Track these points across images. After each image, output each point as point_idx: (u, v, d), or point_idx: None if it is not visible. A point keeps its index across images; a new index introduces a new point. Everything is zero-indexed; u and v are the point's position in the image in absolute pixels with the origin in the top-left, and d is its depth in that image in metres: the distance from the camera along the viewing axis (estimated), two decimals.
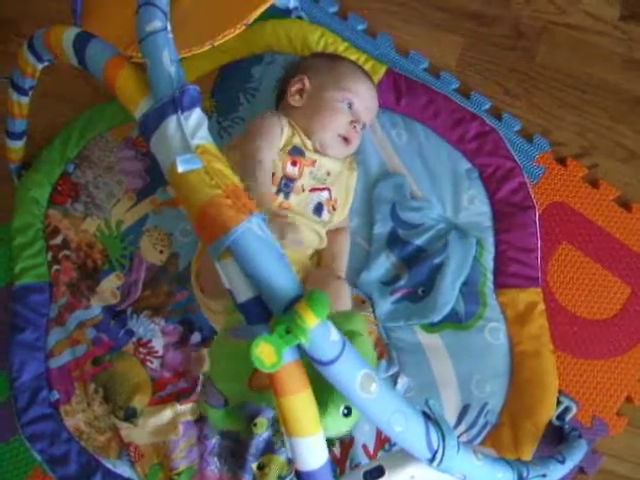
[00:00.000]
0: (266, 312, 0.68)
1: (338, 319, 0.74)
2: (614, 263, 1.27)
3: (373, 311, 1.24)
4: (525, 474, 0.86)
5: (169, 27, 0.78)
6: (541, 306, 1.22)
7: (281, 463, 1.16)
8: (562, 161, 1.32)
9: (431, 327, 1.22)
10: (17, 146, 1.28)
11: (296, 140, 1.16)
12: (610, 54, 1.39)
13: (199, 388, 1.21)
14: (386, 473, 0.75)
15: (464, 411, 1.18)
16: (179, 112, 0.71)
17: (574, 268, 1.27)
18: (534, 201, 1.26)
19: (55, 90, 1.41)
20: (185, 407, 1.21)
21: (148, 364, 1.24)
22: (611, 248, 1.27)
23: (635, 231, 1.28)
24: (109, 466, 1.21)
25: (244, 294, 0.68)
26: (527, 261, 1.24)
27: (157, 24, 0.77)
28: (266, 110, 1.21)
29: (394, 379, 1.20)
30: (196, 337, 1.24)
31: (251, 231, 0.66)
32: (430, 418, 0.73)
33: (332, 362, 0.65)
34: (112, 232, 1.32)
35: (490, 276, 1.24)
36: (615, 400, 1.21)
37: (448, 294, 1.21)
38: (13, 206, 1.35)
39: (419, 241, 1.26)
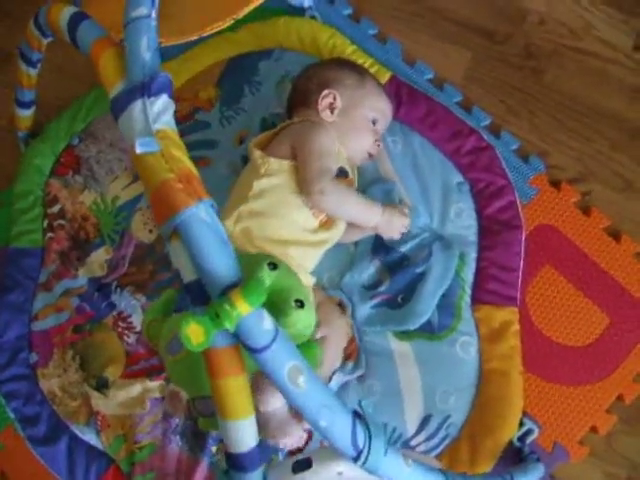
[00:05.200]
0: (207, 295, 0.70)
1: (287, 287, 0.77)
2: (596, 292, 1.26)
3: (352, 313, 1.25)
4: None
5: (154, 15, 0.81)
6: (515, 326, 1.22)
7: None
8: (556, 184, 1.32)
9: (404, 335, 1.23)
10: (26, 115, 1.33)
11: (342, 160, 1.17)
12: (619, 83, 1.38)
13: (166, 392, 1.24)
14: (313, 466, 0.77)
15: (425, 421, 1.19)
16: (145, 97, 0.74)
17: (554, 292, 1.26)
18: (522, 221, 1.26)
19: (67, 67, 1.46)
20: (154, 384, 1.24)
21: (125, 338, 1.28)
22: (595, 277, 1.27)
23: (621, 262, 1.27)
24: (77, 432, 1.25)
25: (189, 275, 0.71)
26: (507, 280, 1.24)
27: (142, 11, 0.79)
28: (320, 126, 1.16)
29: (359, 381, 1.21)
30: None
31: (197, 216, 0.69)
32: (360, 417, 0.74)
33: (262, 350, 0.67)
34: (107, 207, 1.36)
35: (468, 290, 1.24)
36: (579, 429, 1.21)
37: (427, 303, 1.22)
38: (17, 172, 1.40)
39: (403, 248, 1.26)
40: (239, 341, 0.68)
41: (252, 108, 1.36)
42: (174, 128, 0.74)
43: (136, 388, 1.24)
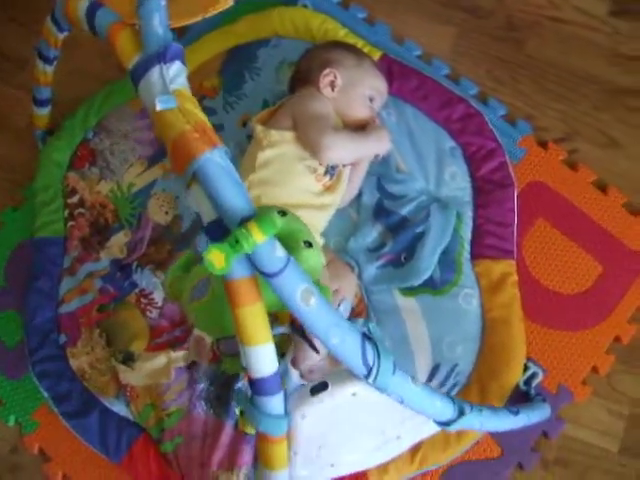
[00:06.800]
0: (226, 232, 0.78)
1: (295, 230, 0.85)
2: (588, 242, 1.33)
3: (359, 275, 1.33)
4: (468, 411, 0.93)
5: None
6: (514, 277, 1.29)
7: None
8: (544, 145, 1.39)
9: (409, 291, 1.30)
10: (43, 113, 1.42)
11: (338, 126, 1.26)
12: (597, 47, 1.46)
13: (191, 340, 1.32)
14: (329, 387, 0.85)
15: (435, 370, 1.26)
16: (162, 63, 0.83)
17: (549, 244, 1.34)
18: (513, 179, 1.34)
19: (81, 67, 1.56)
20: (178, 354, 1.31)
21: (148, 313, 1.35)
22: (586, 227, 1.34)
23: (610, 212, 1.34)
24: (107, 404, 1.32)
25: (208, 216, 0.80)
26: (503, 235, 1.31)
27: None
28: (317, 95, 1.26)
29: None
30: None
31: (213, 160, 0.78)
32: (368, 338, 0.82)
33: (276, 275, 0.75)
34: (123, 194, 1.45)
35: (467, 246, 1.31)
36: (581, 370, 1.27)
37: (428, 260, 1.29)
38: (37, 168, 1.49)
39: (403, 211, 1.34)
40: (255, 269, 0.76)
41: (253, 92, 1.45)
42: (188, 88, 0.83)
43: (161, 359, 1.31)
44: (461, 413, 0.92)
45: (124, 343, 1.34)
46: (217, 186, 0.77)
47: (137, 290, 1.37)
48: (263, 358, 0.81)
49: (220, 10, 1.03)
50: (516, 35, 1.49)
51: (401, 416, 0.93)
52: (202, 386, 1.29)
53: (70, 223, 1.45)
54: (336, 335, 0.78)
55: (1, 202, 1.51)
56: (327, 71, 1.27)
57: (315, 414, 0.86)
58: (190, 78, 1.48)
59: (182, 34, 1.56)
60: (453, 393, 1.25)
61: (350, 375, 0.85)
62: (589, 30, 1.47)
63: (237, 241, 0.73)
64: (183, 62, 0.85)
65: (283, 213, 0.89)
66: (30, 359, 1.36)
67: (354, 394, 0.85)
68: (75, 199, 1.46)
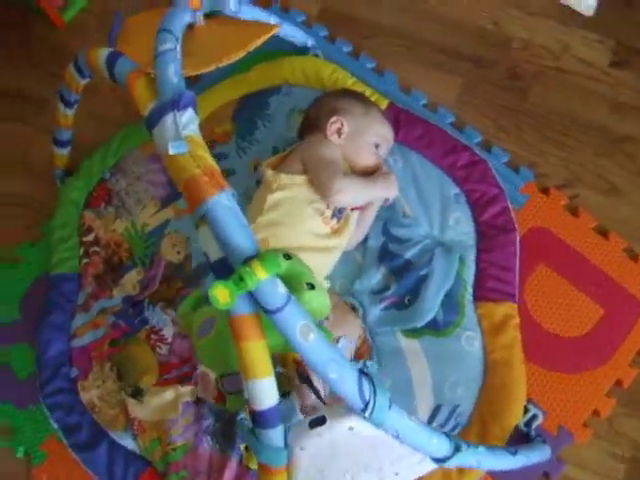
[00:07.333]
0: (231, 270, 0.83)
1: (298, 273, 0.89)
2: (589, 286, 1.36)
3: (364, 317, 1.36)
4: (464, 448, 0.96)
5: (179, 48, 0.98)
6: (515, 320, 1.32)
7: None
8: (545, 191, 1.44)
9: (412, 333, 1.33)
10: (62, 153, 1.49)
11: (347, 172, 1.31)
12: (598, 96, 1.51)
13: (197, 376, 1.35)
14: (327, 421, 0.87)
15: (436, 411, 1.28)
16: (175, 110, 0.89)
17: (550, 288, 1.37)
18: (515, 225, 1.38)
19: (102, 112, 1.63)
20: (186, 389, 1.34)
21: (158, 349, 1.39)
22: (587, 272, 1.37)
23: (611, 257, 1.38)
24: (115, 438, 1.34)
25: (214, 255, 0.84)
26: (505, 278, 1.35)
27: (169, 45, 0.97)
28: (326, 142, 1.32)
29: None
30: None
31: (220, 202, 0.83)
32: (365, 374, 0.85)
33: (277, 311, 0.80)
34: (137, 233, 1.50)
35: (470, 289, 1.35)
36: (582, 412, 1.29)
37: (432, 302, 1.32)
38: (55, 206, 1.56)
39: (408, 254, 1.38)
40: (258, 306, 0.80)
41: (265, 138, 1.51)
42: (199, 134, 0.89)
43: (169, 394, 1.34)
44: (457, 450, 0.94)
45: (134, 378, 1.38)
46: (224, 227, 0.82)
47: (148, 327, 1.41)
48: (264, 391, 0.85)
49: (233, 60, 1.10)
50: (519, 85, 1.54)
51: (399, 453, 0.95)
52: (208, 422, 1.31)
53: (85, 260, 1.50)
54: (334, 370, 0.81)
55: (20, 237, 1.56)
56: (334, 119, 1.32)
57: (313, 447, 0.88)
58: (203, 124, 1.57)
59: (195, 82, 1.63)
60: (454, 434, 1.26)
61: (348, 410, 0.87)
62: (591, 80, 1.53)
63: (241, 278, 0.77)
64: (195, 110, 0.91)
65: (288, 257, 0.94)
66: (41, 391, 1.39)
67: (351, 428, 0.87)
68: (90, 237, 1.52)
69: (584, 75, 1.53)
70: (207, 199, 0.82)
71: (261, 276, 0.78)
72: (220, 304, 0.77)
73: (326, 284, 1.29)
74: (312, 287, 0.94)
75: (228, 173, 1.51)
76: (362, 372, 0.84)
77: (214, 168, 0.86)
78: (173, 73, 0.94)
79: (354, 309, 1.37)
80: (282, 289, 0.80)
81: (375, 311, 1.36)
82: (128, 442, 1.34)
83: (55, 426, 1.37)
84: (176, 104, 0.90)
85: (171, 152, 0.86)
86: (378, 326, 1.35)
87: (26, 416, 1.42)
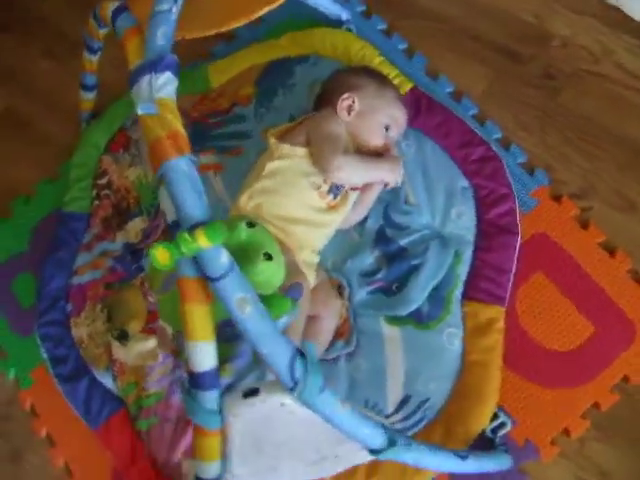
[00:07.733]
0: None
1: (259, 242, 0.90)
2: (584, 301, 1.31)
3: (350, 297, 1.36)
4: (400, 442, 0.95)
5: (174, 10, 0.97)
6: (500, 324, 1.29)
7: None
8: (558, 198, 1.38)
9: (395, 320, 1.32)
10: (88, 97, 1.53)
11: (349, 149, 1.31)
12: (634, 109, 1.43)
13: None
14: (261, 394, 0.89)
15: (405, 401, 1.27)
16: (152, 73, 0.90)
17: (543, 298, 1.33)
18: (519, 228, 1.34)
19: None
20: None
21: (149, 298, 1.43)
22: (585, 287, 1.32)
23: (613, 276, 1.32)
24: (97, 375, 1.41)
25: (170, 216, 0.86)
26: (498, 281, 1.31)
27: (164, 6, 0.96)
28: (333, 117, 1.31)
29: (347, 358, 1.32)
30: None
31: (178, 166, 0.84)
32: (301, 354, 0.85)
33: (217, 279, 0.81)
34: (147, 183, 1.53)
35: (460, 286, 1.32)
36: (552, 429, 1.25)
37: (418, 293, 1.31)
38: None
39: (403, 242, 1.37)
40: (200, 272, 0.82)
41: (283, 107, 1.51)
42: (173, 98, 0.90)
43: (152, 342, 1.38)
44: (392, 444, 0.94)
45: (122, 321, 1.42)
46: (178, 190, 0.83)
47: (143, 274, 1.45)
48: (202, 354, 0.87)
49: (237, 26, 1.10)
50: (552, 84, 1.48)
51: (338, 436, 0.96)
52: (182, 373, 1.35)
53: (96, 202, 1.55)
54: (266, 345, 0.82)
55: (41, 174, 1.63)
56: (346, 95, 1.31)
57: (246, 415, 0.90)
58: (230, 83, 1.58)
59: (230, 40, 1.63)
60: (418, 428, 1.26)
61: (282, 386, 0.88)
62: (629, 89, 1.45)
63: (177, 244, 0.78)
64: (175, 74, 0.92)
65: (251, 224, 0.94)
66: (37, 321, 1.46)
67: (283, 404, 0.88)
68: (104, 180, 1.56)
69: (622, 83, 1.46)
70: (166, 161, 0.84)
71: (203, 244, 0.79)
72: (159, 264, 0.79)
73: (316, 259, 1.30)
74: (269, 258, 0.94)
75: (244, 136, 1.52)
76: (299, 352, 0.85)
77: (179, 132, 0.87)
78: (161, 35, 0.94)
79: (340, 287, 1.37)
80: (225, 259, 0.81)
81: (362, 293, 1.36)
82: (107, 381, 1.40)
83: (44, 355, 1.44)
84: (154, 66, 0.90)
85: (139, 112, 0.88)
86: (362, 308, 1.35)
87: (21, 342, 1.49)
